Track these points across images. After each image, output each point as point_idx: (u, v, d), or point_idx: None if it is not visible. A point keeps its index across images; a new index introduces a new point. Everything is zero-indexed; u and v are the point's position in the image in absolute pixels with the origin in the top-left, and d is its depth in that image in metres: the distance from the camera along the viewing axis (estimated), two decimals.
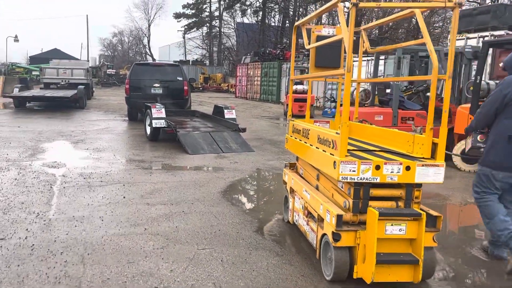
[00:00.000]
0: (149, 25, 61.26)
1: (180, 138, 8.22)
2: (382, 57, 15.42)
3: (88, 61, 29.05)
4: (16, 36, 34.30)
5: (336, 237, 2.82)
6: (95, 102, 20.04)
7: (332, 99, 17.66)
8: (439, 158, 2.87)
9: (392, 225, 2.77)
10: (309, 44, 3.77)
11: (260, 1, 44.31)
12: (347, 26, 2.69)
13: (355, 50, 2.95)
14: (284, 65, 24.57)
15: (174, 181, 5.73)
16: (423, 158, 2.96)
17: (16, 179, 5.51)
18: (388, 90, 8.89)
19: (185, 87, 12.20)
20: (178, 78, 12.24)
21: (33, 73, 34.47)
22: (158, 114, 8.83)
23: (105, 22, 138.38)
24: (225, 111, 9.85)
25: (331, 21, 31.14)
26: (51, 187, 5.19)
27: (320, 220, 3.16)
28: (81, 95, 16.42)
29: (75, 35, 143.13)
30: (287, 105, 14.30)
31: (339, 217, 2.81)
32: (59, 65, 21.45)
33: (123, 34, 68.56)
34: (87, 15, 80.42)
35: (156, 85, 12.00)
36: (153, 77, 12.10)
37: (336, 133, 2.88)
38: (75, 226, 3.87)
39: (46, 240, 3.51)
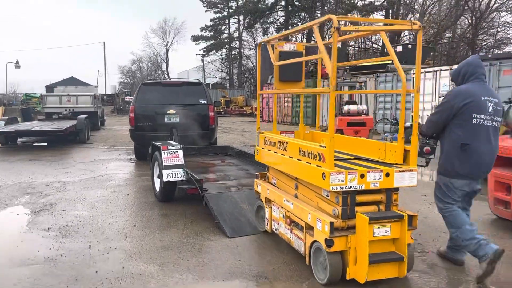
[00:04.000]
0: (167, 51, 59.29)
1: (210, 204, 4.69)
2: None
3: (97, 86, 26.28)
4: (17, 62, 31.88)
5: (329, 243, 2.92)
6: (103, 133, 16.87)
7: (395, 121, 13.95)
8: (412, 164, 3.13)
9: (379, 227, 2.90)
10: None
11: (283, 19, 41.70)
12: (325, 48, 3.09)
13: None
14: (321, 82, 21.14)
15: None
16: (396, 164, 3.19)
17: None
18: None
19: (211, 113, 8.79)
20: (201, 101, 8.85)
21: None
22: (172, 160, 5.36)
23: (124, 50, 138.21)
24: None
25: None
26: None
27: (308, 228, 3.25)
28: (81, 126, 13.22)
29: (96, 63, 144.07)
30: (339, 130, 10.99)
31: (331, 224, 2.92)
32: (63, 92, 18.61)
33: (142, 60, 66.73)
34: (104, 42, 78.96)
35: (171, 111, 8.63)
36: (167, 100, 8.73)
37: (321, 146, 3.06)
38: None
39: None
